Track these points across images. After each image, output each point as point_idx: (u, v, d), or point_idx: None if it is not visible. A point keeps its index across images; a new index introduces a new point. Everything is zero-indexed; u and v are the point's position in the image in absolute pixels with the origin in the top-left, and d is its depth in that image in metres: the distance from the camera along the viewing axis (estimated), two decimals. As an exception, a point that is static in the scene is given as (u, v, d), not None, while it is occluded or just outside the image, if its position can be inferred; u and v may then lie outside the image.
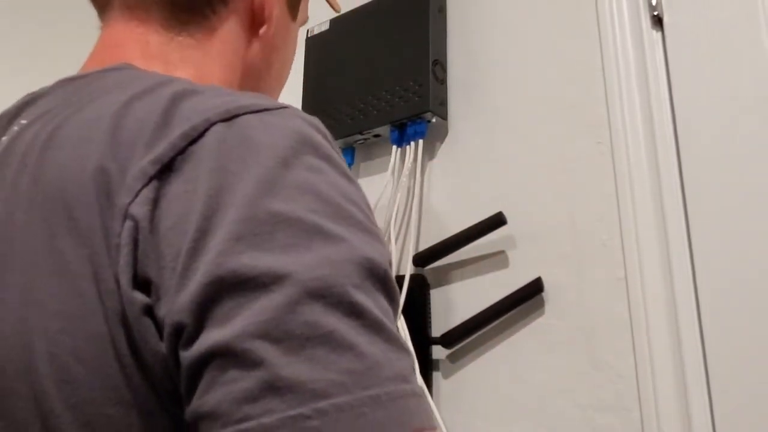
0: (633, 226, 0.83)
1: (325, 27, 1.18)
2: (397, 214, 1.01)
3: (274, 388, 0.30)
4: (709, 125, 0.82)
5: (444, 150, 1.04)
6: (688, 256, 0.80)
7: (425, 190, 1.04)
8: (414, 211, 1.03)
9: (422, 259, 0.97)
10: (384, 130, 1.06)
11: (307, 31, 1.21)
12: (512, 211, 0.92)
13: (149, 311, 0.35)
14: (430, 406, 0.34)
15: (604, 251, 0.85)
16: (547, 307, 0.88)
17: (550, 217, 0.90)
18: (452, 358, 0.94)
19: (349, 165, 1.11)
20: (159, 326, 0.34)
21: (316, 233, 0.34)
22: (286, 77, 0.63)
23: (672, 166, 0.84)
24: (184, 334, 0.33)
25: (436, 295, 0.98)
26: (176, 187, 0.36)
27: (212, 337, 0.31)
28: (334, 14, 1.17)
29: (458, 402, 0.88)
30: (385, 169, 1.03)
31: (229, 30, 0.52)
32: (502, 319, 0.90)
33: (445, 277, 0.98)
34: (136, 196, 0.36)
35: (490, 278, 0.94)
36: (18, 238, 0.39)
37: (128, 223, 0.35)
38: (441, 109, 1.03)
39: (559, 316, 0.87)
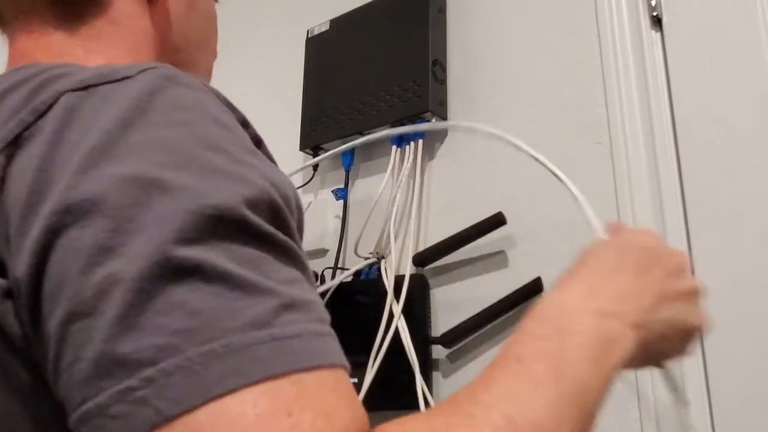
0: (632, 226, 0.83)
1: (325, 27, 1.18)
2: (396, 214, 1.01)
3: (103, 365, 0.29)
4: (707, 125, 0.82)
5: (443, 150, 1.05)
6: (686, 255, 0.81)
7: (425, 190, 1.04)
8: (414, 211, 1.03)
9: (422, 259, 0.98)
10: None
11: (308, 31, 1.21)
12: (512, 211, 0.93)
13: (8, 294, 0.33)
14: (308, 345, 0.31)
15: (603, 251, 0.85)
16: (547, 306, 0.88)
17: (550, 217, 0.91)
18: (452, 358, 0.94)
19: (349, 165, 1.11)
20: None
21: (154, 187, 0.32)
22: (213, 44, 0.60)
23: (671, 166, 0.84)
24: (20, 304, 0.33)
25: (436, 295, 0.98)
26: (20, 162, 0.34)
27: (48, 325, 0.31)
28: (334, 15, 1.18)
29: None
30: (385, 170, 1.04)
31: (123, 10, 0.50)
32: (501, 318, 0.90)
33: (445, 277, 0.98)
34: None
35: (490, 278, 0.94)
36: None
37: None
38: (440, 109, 1.03)
39: (558, 316, 0.87)
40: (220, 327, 0.29)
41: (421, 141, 1.03)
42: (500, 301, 0.89)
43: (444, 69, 1.06)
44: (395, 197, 1.01)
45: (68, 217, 0.31)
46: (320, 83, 1.16)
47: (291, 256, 0.34)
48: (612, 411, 0.80)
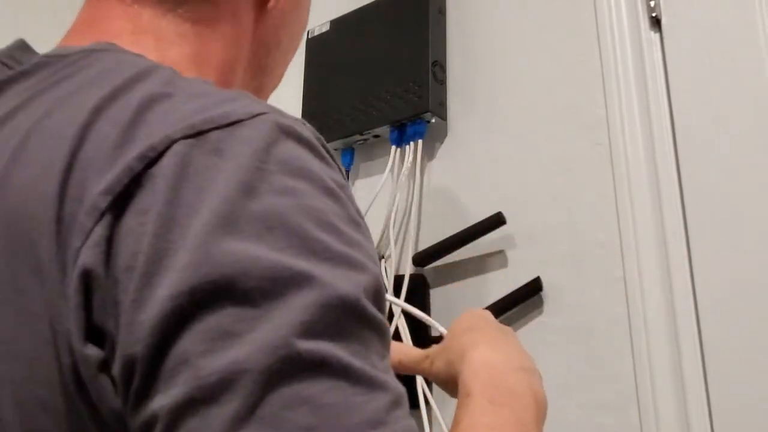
0: (631, 226, 0.84)
1: (326, 28, 1.19)
2: (396, 214, 1.02)
3: None
4: (706, 126, 0.83)
5: (443, 150, 1.05)
6: (686, 256, 0.81)
7: (425, 190, 1.05)
8: (413, 211, 1.03)
9: (422, 258, 0.98)
10: (384, 131, 1.07)
11: (308, 32, 1.21)
12: (511, 211, 0.93)
13: (105, 367, 0.31)
14: None
15: (602, 251, 0.86)
16: (546, 306, 0.89)
17: (549, 217, 0.91)
18: (452, 358, 0.94)
19: (349, 165, 1.12)
20: (114, 381, 0.31)
21: (281, 275, 0.31)
22: (295, 51, 0.59)
23: (670, 167, 0.84)
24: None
25: (435, 295, 0.98)
26: (130, 220, 0.32)
27: (158, 402, 0.29)
28: (335, 15, 1.18)
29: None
30: (385, 170, 1.04)
31: (235, 4, 0.48)
32: (501, 318, 0.91)
33: (444, 276, 0.99)
34: (87, 237, 0.32)
35: (490, 278, 0.94)
36: None
37: (79, 271, 0.31)
38: (440, 109, 1.03)
39: (557, 316, 0.87)
40: (342, 425, 0.29)
41: (420, 141, 1.03)
42: (499, 301, 0.90)
43: (444, 69, 1.06)
44: (395, 197, 1.02)
45: (193, 298, 0.30)
46: (320, 83, 1.16)
47: (387, 338, 0.35)
48: (612, 411, 0.81)
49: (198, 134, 0.33)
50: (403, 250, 1.01)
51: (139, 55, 0.42)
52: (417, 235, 1.03)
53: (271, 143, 0.34)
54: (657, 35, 0.90)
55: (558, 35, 0.97)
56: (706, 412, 0.76)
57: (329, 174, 0.36)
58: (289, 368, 0.29)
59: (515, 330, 0.90)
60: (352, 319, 0.32)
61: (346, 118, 1.09)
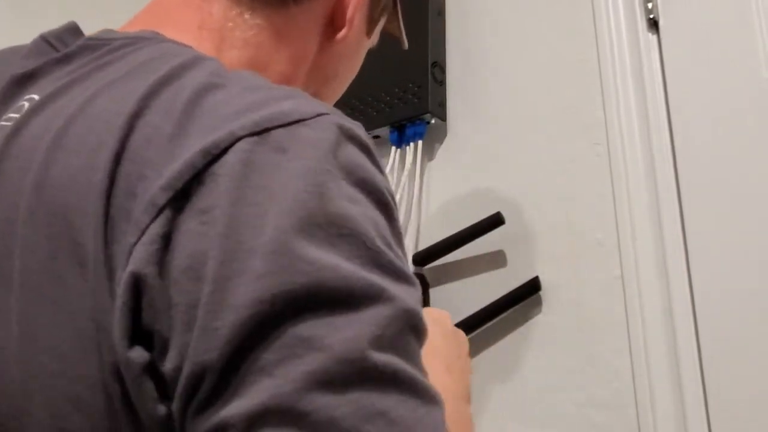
0: (629, 226, 0.84)
1: (326, 29, 1.19)
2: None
3: None
4: (703, 126, 0.83)
5: (443, 151, 1.06)
6: (683, 255, 0.81)
7: (424, 190, 1.05)
8: (413, 211, 1.04)
9: (422, 258, 0.99)
10: (384, 132, 1.07)
11: (308, 33, 1.22)
12: (510, 211, 0.94)
13: (151, 369, 0.31)
14: None
15: (600, 250, 0.86)
16: (545, 305, 0.89)
17: (548, 216, 0.92)
18: (451, 357, 0.95)
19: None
20: (162, 383, 0.31)
21: (357, 287, 0.31)
22: (345, 86, 0.60)
23: (667, 167, 0.85)
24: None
25: (435, 294, 0.99)
26: (190, 218, 0.31)
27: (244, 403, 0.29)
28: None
29: (457, 399, 0.90)
30: (387, 170, 1.05)
31: (307, 24, 0.49)
32: (500, 317, 0.91)
33: (444, 276, 0.99)
34: (143, 233, 0.30)
35: (489, 277, 0.95)
36: (17, 253, 0.34)
37: (131, 269, 0.30)
38: (440, 110, 1.04)
39: (556, 315, 0.88)
40: None
41: (420, 142, 1.04)
42: (498, 300, 0.90)
43: (443, 70, 1.07)
44: (395, 198, 1.02)
45: (273, 308, 0.29)
46: (321, 85, 1.17)
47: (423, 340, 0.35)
48: (610, 409, 0.81)
49: (263, 131, 0.32)
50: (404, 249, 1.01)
51: (184, 45, 0.41)
52: (417, 234, 1.03)
53: (336, 147, 0.34)
54: (654, 37, 0.90)
55: (556, 37, 0.98)
56: (703, 410, 0.76)
57: (385, 185, 0.36)
58: (365, 380, 0.29)
59: (514, 329, 0.91)
60: (413, 332, 0.32)
61: (347, 119, 1.10)
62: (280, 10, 0.47)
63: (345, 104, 1.10)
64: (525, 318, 0.90)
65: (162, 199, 0.31)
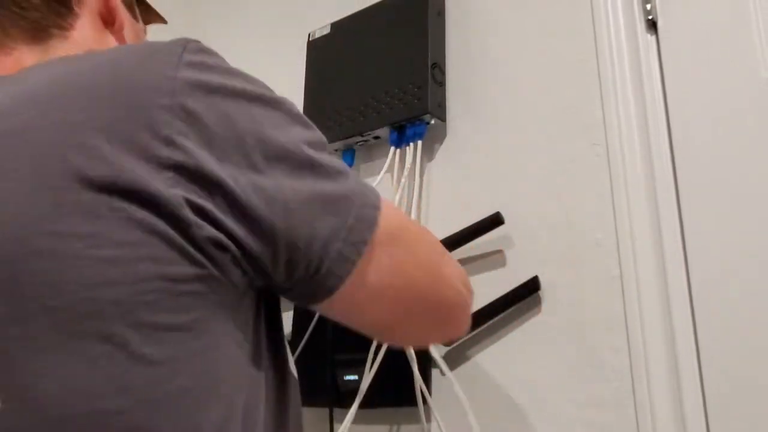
0: (628, 226, 0.85)
1: (326, 31, 1.20)
2: (396, 214, 1.03)
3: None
4: (702, 126, 0.84)
5: (443, 151, 1.06)
6: (681, 255, 0.82)
7: (424, 190, 1.06)
8: (413, 211, 1.04)
9: (421, 258, 0.99)
10: (384, 132, 1.08)
11: (309, 34, 1.22)
12: (509, 211, 0.94)
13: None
14: None
15: (599, 250, 0.87)
16: (544, 305, 0.89)
17: (547, 216, 0.92)
18: (450, 356, 0.95)
19: (350, 166, 1.13)
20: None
21: None
22: None
23: (666, 167, 0.85)
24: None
25: (434, 294, 0.99)
26: None
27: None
28: (335, 18, 1.19)
29: (455, 398, 0.90)
30: (385, 170, 1.05)
31: (85, 34, 0.58)
32: (499, 316, 0.92)
33: (443, 276, 0.99)
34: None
35: (488, 277, 0.95)
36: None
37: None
38: (439, 111, 1.04)
39: (555, 314, 0.88)
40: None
41: (420, 142, 1.04)
42: (498, 300, 0.91)
43: (443, 71, 1.07)
44: (395, 197, 1.03)
45: None
46: (321, 85, 1.17)
47: None
48: (609, 408, 0.81)
49: None
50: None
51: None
52: (416, 234, 1.04)
53: None
54: (653, 37, 0.91)
55: (556, 37, 0.98)
56: (702, 409, 0.77)
57: None
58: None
59: (513, 329, 0.92)
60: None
61: (347, 119, 1.10)
62: (63, 36, 0.57)
63: (347, 105, 1.11)
64: (524, 317, 0.91)
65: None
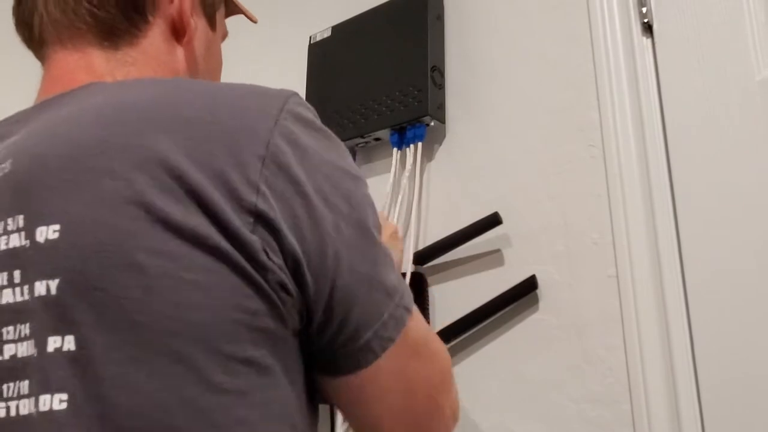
0: (623, 226, 0.85)
1: (327, 34, 1.21)
2: (397, 214, 1.04)
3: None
4: (696, 128, 0.84)
5: (442, 152, 1.07)
6: (676, 255, 0.83)
7: (424, 191, 1.07)
8: (413, 211, 1.05)
9: (421, 257, 1.00)
10: (384, 134, 1.09)
11: (310, 37, 1.24)
12: (507, 211, 0.95)
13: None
14: None
15: (595, 250, 0.88)
16: (541, 303, 0.90)
17: (544, 217, 0.93)
18: (449, 353, 0.96)
19: (351, 167, 1.14)
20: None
21: None
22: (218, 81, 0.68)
23: (661, 168, 0.86)
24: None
25: (434, 292, 1.00)
26: None
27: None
28: (336, 21, 1.20)
29: (455, 396, 0.91)
30: (386, 171, 1.06)
31: (155, 43, 0.58)
32: (497, 315, 0.93)
33: (442, 274, 1.01)
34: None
35: (486, 276, 0.96)
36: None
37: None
38: (439, 113, 1.06)
39: (552, 313, 0.89)
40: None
41: (420, 144, 1.05)
42: (496, 298, 0.92)
43: (442, 74, 1.08)
44: (396, 198, 1.04)
45: None
46: (322, 88, 1.18)
47: None
48: (605, 405, 0.82)
49: None
50: (405, 249, 1.03)
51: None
52: (417, 234, 1.05)
53: None
54: (649, 40, 0.92)
55: (553, 41, 0.99)
56: (696, 405, 0.77)
57: None
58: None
59: (511, 327, 0.93)
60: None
61: (348, 121, 1.11)
62: (132, 42, 0.56)
63: (348, 108, 1.12)
64: (521, 316, 0.92)
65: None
